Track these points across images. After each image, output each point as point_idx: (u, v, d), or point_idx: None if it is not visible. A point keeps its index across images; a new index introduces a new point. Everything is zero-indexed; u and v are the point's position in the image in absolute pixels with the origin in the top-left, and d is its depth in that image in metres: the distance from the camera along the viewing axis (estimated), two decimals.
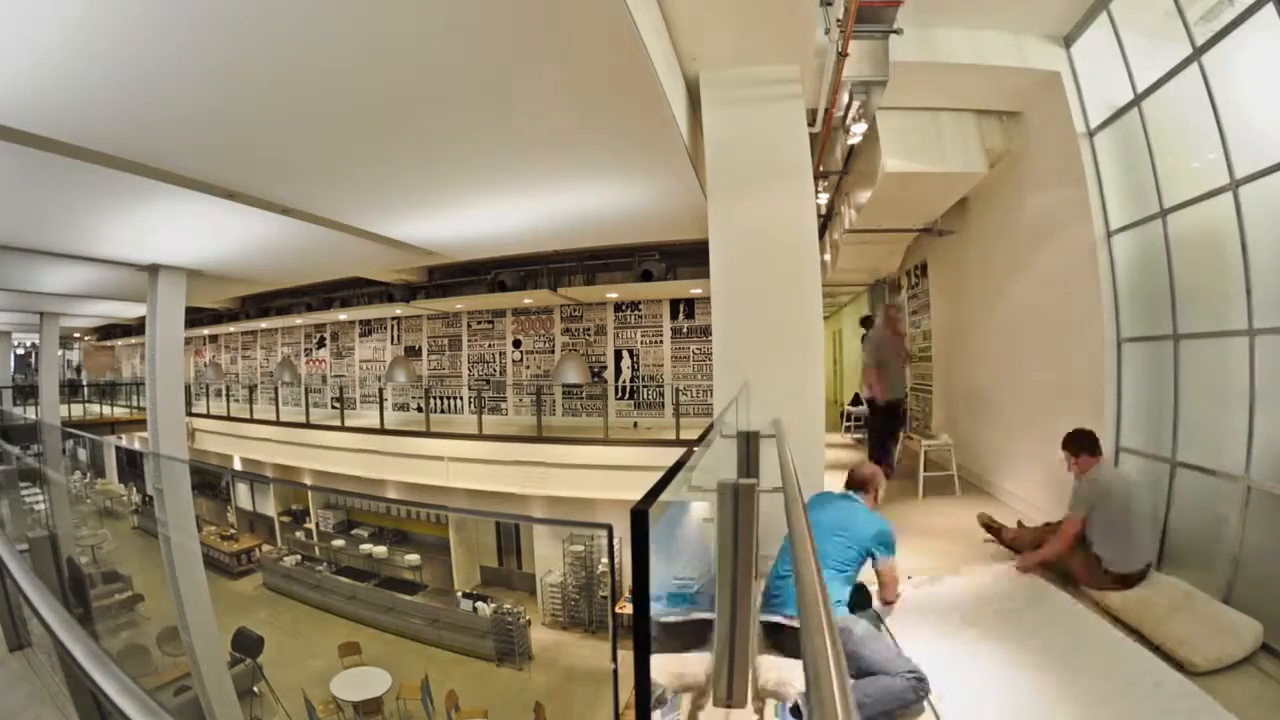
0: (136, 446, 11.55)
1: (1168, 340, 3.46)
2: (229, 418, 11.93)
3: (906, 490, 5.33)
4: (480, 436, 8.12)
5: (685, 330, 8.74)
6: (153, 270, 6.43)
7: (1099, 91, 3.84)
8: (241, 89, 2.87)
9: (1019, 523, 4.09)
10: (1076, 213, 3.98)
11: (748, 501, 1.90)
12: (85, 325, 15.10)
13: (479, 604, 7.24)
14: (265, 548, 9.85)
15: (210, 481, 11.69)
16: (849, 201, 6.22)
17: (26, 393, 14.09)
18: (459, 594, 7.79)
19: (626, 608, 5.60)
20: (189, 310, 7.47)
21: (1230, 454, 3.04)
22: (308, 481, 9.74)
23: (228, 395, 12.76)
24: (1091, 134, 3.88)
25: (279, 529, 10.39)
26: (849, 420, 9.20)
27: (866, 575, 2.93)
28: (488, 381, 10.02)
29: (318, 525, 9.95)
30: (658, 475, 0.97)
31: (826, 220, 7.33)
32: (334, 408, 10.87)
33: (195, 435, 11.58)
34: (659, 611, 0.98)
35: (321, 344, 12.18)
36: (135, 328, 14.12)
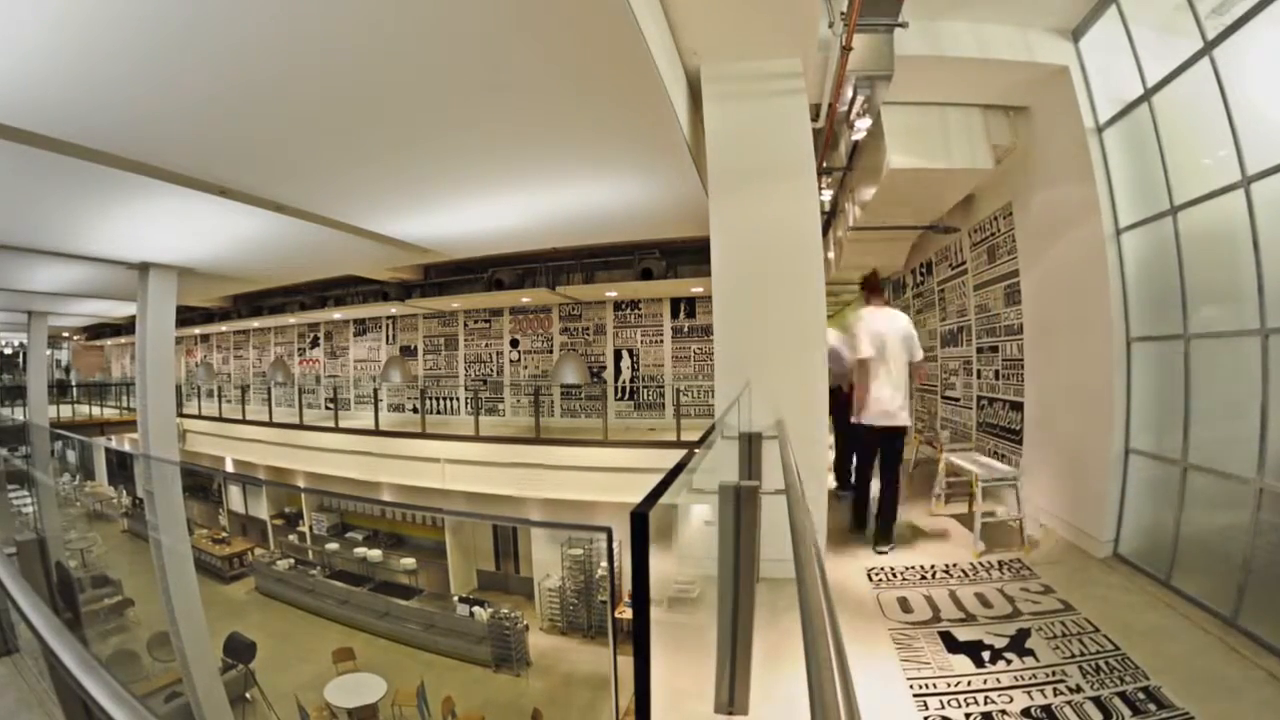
0: (127, 448, 11.43)
1: (1178, 340, 3.41)
2: (221, 419, 11.80)
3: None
4: (477, 438, 8.03)
5: (686, 330, 8.67)
6: (143, 268, 6.32)
7: (1108, 86, 3.79)
8: (235, 84, 2.79)
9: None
10: (1085, 210, 3.93)
11: (750, 503, 1.83)
12: (74, 324, 14.93)
13: (476, 608, 7.16)
14: (258, 551, 9.73)
15: (202, 484, 11.56)
16: (853, 198, 6.18)
17: (14, 393, 13.93)
18: (455, 598, 7.70)
19: (626, 612, 5.52)
20: (180, 309, 7.36)
21: (1242, 456, 2.99)
22: (301, 484, 9.63)
23: (220, 396, 12.62)
24: (1100, 129, 3.83)
25: (272, 532, 10.28)
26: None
27: None
28: (485, 382, 9.93)
29: (311, 528, 9.84)
30: (658, 477, 0.95)
31: (830, 217, 7.30)
32: (328, 409, 10.75)
33: (186, 437, 11.44)
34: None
35: (315, 343, 12.06)
36: (125, 327, 13.97)
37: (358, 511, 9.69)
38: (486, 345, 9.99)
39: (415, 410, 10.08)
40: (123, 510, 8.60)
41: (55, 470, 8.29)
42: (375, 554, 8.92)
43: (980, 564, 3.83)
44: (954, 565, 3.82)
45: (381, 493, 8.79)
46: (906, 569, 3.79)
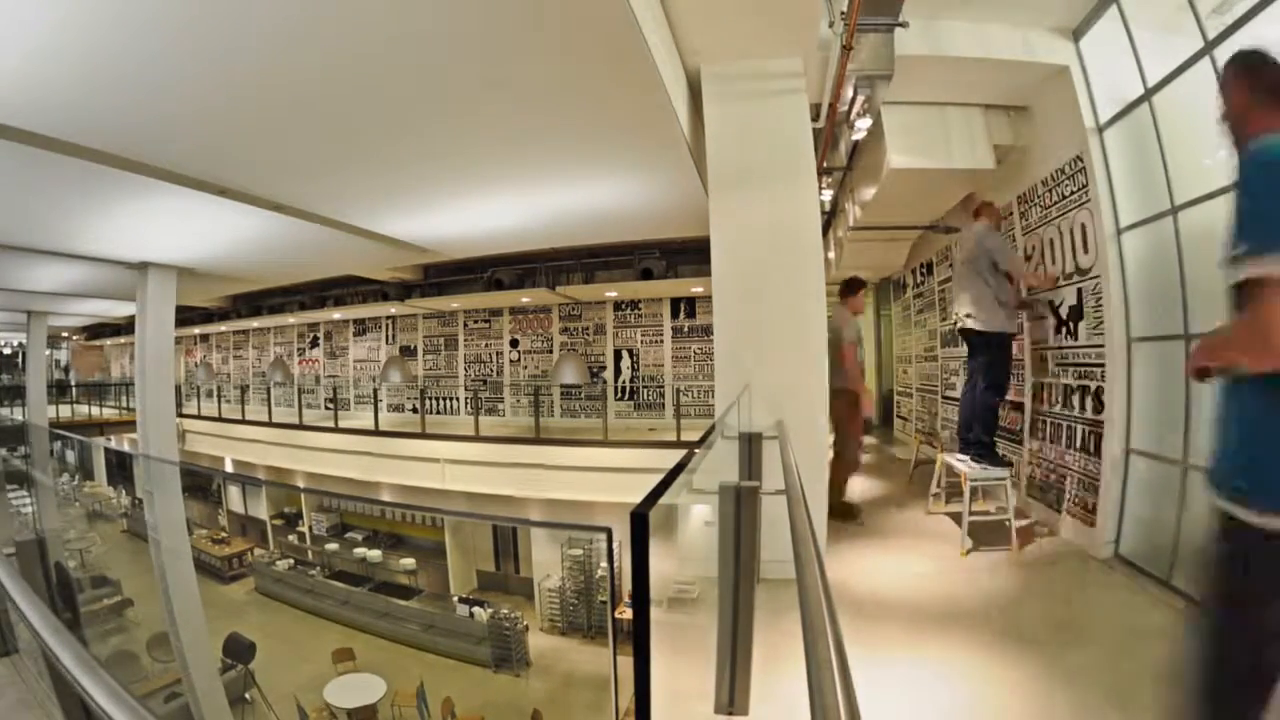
0: (126, 448, 11.41)
1: (1179, 340, 3.40)
2: (220, 419, 11.80)
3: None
4: (477, 438, 8.03)
5: (686, 329, 8.67)
6: (142, 268, 6.33)
7: (1108, 86, 3.78)
8: (236, 85, 2.79)
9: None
10: (1085, 210, 3.92)
11: (750, 504, 1.83)
12: (74, 325, 14.93)
13: (475, 609, 7.15)
14: (257, 551, 9.72)
15: (201, 484, 11.54)
16: (853, 198, 6.18)
17: (13, 393, 13.92)
18: (455, 599, 7.70)
19: (626, 613, 5.51)
20: (179, 309, 7.35)
21: None
22: (301, 484, 9.62)
23: (219, 396, 12.62)
24: (1101, 129, 3.82)
25: (271, 532, 10.26)
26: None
27: None
28: (484, 382, 9.93)
29: (311, 529, 9.83)
30: (658, 478, 0.94)
31: (830, 217, 7.30)
32: (327, 409, 10.75)
33: (186, 437, 11.44)
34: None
35: (315, 343, 12.06)
36: (125, 327, 13.96)
37: (357, 512, 9.68)
38: (486, 345, 9.99)
39: (415, 410, 10.08)
40: (122, 510, 8.59)
41: (54, 470, 8.28)
42: (375, 554, 8.90)
43: (966, 563, 3.82)
44: (942, 563, 3.82)
45: (381, 493, 8.79)
46: (896, 567, 3.79)
